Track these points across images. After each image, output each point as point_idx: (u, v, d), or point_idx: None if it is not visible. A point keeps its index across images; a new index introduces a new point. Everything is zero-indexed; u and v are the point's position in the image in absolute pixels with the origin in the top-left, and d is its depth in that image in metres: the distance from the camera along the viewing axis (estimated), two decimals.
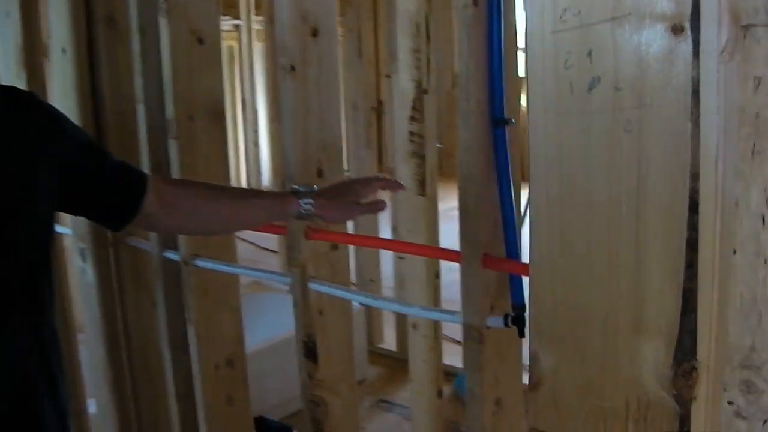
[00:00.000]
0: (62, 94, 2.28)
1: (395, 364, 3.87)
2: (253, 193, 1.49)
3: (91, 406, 2.61)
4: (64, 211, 1.32)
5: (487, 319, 1.43)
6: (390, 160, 4.04)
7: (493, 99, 1.36)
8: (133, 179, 1.34)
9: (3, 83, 1.25)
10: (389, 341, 4.09)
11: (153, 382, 2.37)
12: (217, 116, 2.03)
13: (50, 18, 2.28)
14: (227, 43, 7.76)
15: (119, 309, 2.33)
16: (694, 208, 0.67)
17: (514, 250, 1.44)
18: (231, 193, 1.51)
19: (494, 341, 1.46)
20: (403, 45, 2.35)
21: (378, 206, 1.51)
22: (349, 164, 4.01)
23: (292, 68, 1.66)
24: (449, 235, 3.57)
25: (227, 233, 1.65)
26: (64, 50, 2.23)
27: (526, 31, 0.84)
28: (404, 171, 2.46)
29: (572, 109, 0.73)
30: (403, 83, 2.43)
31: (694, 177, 0.67)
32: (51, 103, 1.46)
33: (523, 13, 0.87)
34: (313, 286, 1.72)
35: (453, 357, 3.46)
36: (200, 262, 1.98)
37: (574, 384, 0.78)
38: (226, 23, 7.40)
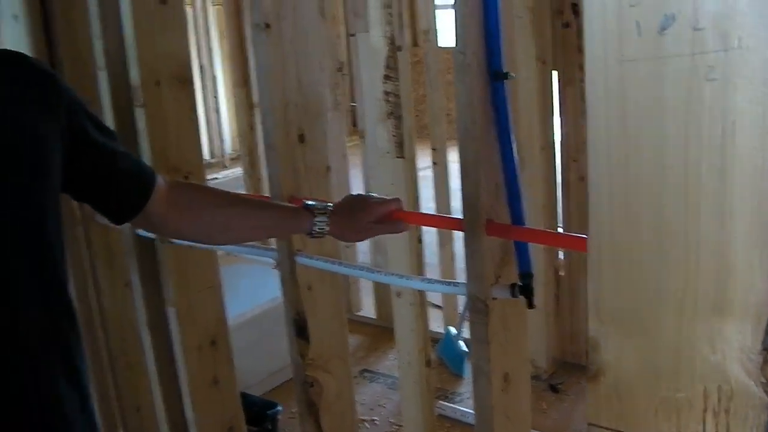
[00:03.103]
0: None
1: (376, 332, 3.79)
2: (265, 205, 1.41)
3: None
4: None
5: (492, 290, 1.36)
6: (362, 123, 3.93)
7: (491, 51, 1.28)
8: (142, 174, 1.25)
9: None
10: (367, 309, 4.01)
11: (133, 366, 2.27)
12: (184, 81, 1.92)
13: None
14: None
15: (93, 291, 2.22)
16: None
17: (518, 214, 1.38)
18: (242, 201, 1.41)
19: (500, 312, 1.40)
20: (373, 0, 2.25)
21: (398, 227, 1.42)
22: None
23: (267, 26, 1.57)
24: (425, 200, 3.50)
25: (230, 243, 1.57)
26: (15, 17, 2.08)
27: None
28: (381, 133, 2.38)
29: (639, 54, 0.62)
30: (374, 40, 2.33)
31: None
32: None
33: None
34: (301, 260, 1.62)
35: (433, 322, 3.40)
36: (176, 240, 1.86)
37: (642, 373, 0.69)
38: None
